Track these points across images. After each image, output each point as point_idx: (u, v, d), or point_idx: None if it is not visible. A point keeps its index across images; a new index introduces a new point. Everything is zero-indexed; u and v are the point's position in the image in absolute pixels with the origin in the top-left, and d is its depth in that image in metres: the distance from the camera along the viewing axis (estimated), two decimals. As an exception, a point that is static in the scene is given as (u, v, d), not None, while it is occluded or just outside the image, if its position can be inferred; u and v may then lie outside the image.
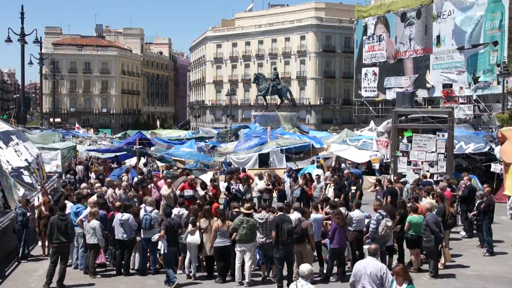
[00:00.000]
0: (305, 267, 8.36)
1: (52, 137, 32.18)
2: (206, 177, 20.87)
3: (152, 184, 17.88)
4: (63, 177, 23.15)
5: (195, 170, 24.20)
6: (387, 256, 13.05)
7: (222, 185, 18.81)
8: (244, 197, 17.52)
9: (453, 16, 47.38)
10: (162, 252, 12.37)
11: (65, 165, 24.89)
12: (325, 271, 12.52)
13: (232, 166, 24.82)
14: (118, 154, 28.80)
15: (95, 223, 12.52)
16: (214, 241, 12.11)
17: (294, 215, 12.40)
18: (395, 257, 13.16)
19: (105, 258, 13.36)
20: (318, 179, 19.25)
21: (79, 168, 24.31)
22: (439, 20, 49.53)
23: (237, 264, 12.01)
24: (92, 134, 58.08)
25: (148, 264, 12.99)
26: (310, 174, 20.19)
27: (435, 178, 19.29)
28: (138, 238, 12.89)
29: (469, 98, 45.85)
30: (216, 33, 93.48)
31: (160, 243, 12.32)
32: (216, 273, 12.61)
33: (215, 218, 12.70)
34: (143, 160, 26.63)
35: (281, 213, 11.96)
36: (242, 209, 12.53)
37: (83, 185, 17.64)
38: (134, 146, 26.88)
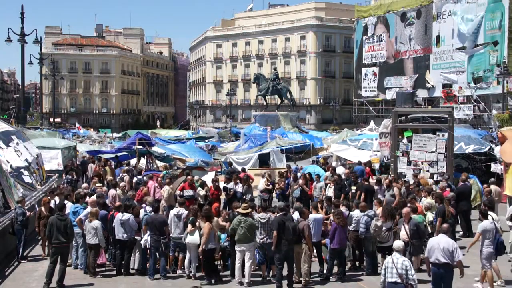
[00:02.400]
0: (399, 243, 9.81)
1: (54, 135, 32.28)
2: (207, 177, 20.85)
3: (156, 184, 17.88)
4: (63, 177, 23.10)
5: (196, 170, 24.18)
6: (387, 256, 13.05)
7: (222, 185, 18.77)
8: (244, 197, 17.49)
9: (453, 15, 47.35)
10: (144, 246, 12.67)
11: (67, 164, 24.86)
12: (325, 271, 12.51)
13: (232, 166, 24.74)
14: (118, 154, 28.76)
15: (96, 223, 12.52)
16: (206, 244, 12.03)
17: (294, 215, 12.42)
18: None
19: (106, 258, 13.35)
20: (318, 179, 19.24)
21: (92, 166, 24.17)
22: (439, 20, 49.55)
23: (237, 264, 12.01)
24: (92, 133, 58.13)
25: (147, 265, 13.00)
26: (310, 174, 20.18)
27: (434, 178, 19.29)
28: (137, 238, 12.90)
29: (469, 98, 45.89)
30: (216, 33, 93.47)
31: (143, 238, 12.59)
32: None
33: (215, 219, 12.74)
34: (143, 160, 26.58)
35: (283, 213, 11.94)
36: (239, 209, 12.54)
37: (84, 185, 17.62)
38: (134, 146, 26.85)
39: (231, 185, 18.14)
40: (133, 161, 26.73)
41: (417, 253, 12.51)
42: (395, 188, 16.81)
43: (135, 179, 19.72)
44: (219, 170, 25.86)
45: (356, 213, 13.02)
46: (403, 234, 12.11)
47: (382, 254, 13.03)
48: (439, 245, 9.99)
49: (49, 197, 15.14)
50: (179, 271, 12.92)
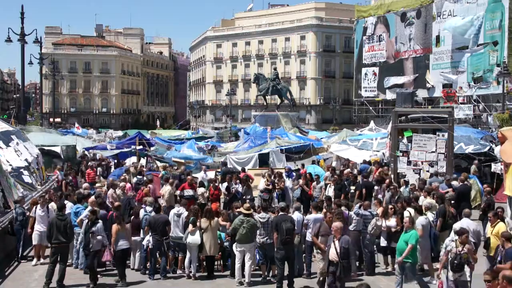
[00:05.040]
0: (457, 225, 10.88)
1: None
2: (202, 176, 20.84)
3: (150, 185, 17.84)
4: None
5: (195, 170, 24.16)
6: (389, 256, 13.05)
7: (225, 186, 18.72)
8: (244, 197, 17.48)
9: (453, 15, 47.33)
10: (147, 247, 12.68)
11: (68, 164, 24.87)
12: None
13: (228, 166, 24.50)
14: (117, 152, 28.76)
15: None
16: (116, 244, 11.91)
17: (295, 215, 12.42)
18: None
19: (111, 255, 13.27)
20: (318, 179, 19.24)
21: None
22: (439, 20, 49.51)
23: (237, 264, 12.01)
24: (93, 131, 58.16)
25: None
26: (310, 174, 20.18)
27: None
28: (138, 238, 12.91)
29: (469, 98, 45.84)
30: (216, 33, 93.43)
31: (146, 238, 12.61)
32: (215, 273, 12.68)
33: (216, 219, 12.74)
34: (143, 160, 26.57)
35: (283, 213, 11.94)
36: (241, 209, 12.54)
37: (85, 185, 17.62)
38: (134, 146, 26.89)
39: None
40: (132, 160, 26.77)
41: (347, 273, 10.21)
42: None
43: (135, 179, 19.73)
44: (219, 170, 25.82)
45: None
46: (332, 252, 10.15)
47: (384, 253, 13.07)
48: (469, 228, 10.83)
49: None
50: (179, 271, 12.92)
